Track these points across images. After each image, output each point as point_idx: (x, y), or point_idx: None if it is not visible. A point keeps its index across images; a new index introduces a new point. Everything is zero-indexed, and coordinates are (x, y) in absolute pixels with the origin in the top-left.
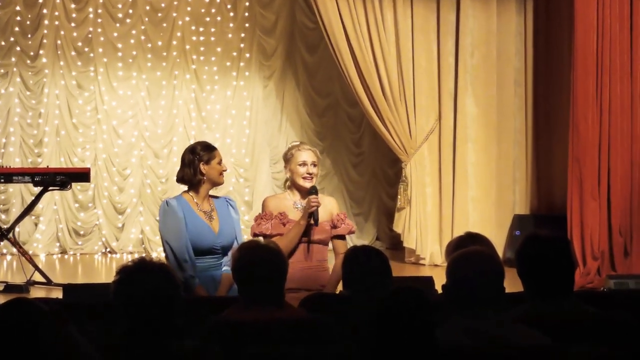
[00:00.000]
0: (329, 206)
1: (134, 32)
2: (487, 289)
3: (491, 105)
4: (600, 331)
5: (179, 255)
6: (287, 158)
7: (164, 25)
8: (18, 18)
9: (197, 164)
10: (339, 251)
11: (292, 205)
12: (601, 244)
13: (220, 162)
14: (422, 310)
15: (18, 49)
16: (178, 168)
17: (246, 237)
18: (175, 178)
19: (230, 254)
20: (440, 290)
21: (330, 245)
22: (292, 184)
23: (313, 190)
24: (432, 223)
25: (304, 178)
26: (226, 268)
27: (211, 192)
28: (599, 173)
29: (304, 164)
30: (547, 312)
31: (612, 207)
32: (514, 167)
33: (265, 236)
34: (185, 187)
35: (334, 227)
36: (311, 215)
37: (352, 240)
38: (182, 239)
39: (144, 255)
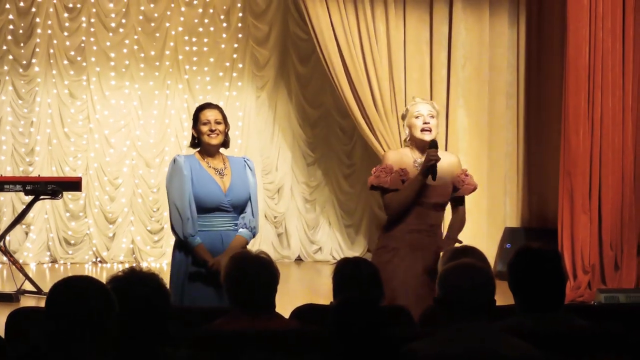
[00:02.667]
0: (450, 166)
1: (126, 41)
2: (478, 301)
3: (483, 118)
4: (590, 345)
5: (182, 212)
6: (404, 115)
7: (157, 35)
8: (11, 27)
9: (193, 129)
10: (459, 209)
11: (412, 162)
12: (592, 257)
13: (206, 123)
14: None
15: (10, 57)
16: None
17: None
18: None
19: (245, 216)
20: (432, 302)
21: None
22: (411, 141)
23: (433, 144)
24: None
25: (422, 130)
26: (242, 230)
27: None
28: (590, 187)
29: (419, 115)
30: (538, 325)
31: (602, 221)
32: (505, 180)
33: (383, 190)
34: None
35: (455, 188)
36: (429, 170)
37: (343, 252)
38: (185, 197)
39: (134, 265)
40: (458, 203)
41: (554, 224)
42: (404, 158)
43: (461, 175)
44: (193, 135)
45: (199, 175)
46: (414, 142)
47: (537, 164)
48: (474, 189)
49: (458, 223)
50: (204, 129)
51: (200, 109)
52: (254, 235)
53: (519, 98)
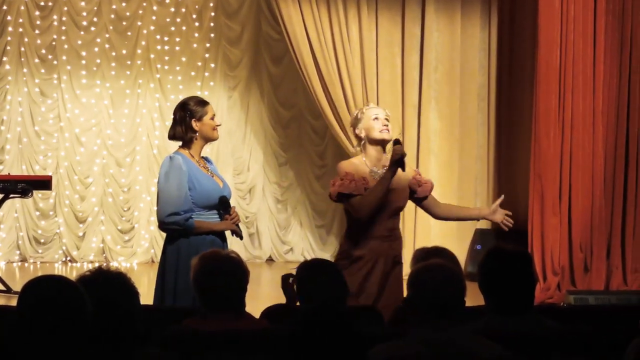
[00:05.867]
0: (404, 173)
1: (98, 40)
2: (448, 301)
3: (454, 120)
4: (559, 346)
5: (175, 205)
6: (358, 118)
7: (129, 34)
8: None
9: (189, 121)
10: (437, 204)
11: (369, 172)
12: (561, 259)
13: (213, 117)
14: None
15: None
16: (141, 177)
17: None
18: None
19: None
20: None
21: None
22: (369, 143)
23: (397, 141)
24: None
25: (381, 131)
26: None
27: None
28: (560, 189)
29: (377, 117)
30: (508, 326)
31: (572, 223)
32: (475, 182)
33: (351, 196)
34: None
35: (414, 190)
36: (398, 163)
37: (315, 253)
38: (182, 191)
39: (103, 264)
40: (423, 200)
41: (524, 226)
42: (360, 168)
43: (416, 176)
44: (192, 128)
45: (198, 173)
46: (370, 147)
47: (507, 166)
48: (432, 187)
49: (451, 206)
50: (213, 123)
51: (204, 103)
52: None
53: (490, 100)
